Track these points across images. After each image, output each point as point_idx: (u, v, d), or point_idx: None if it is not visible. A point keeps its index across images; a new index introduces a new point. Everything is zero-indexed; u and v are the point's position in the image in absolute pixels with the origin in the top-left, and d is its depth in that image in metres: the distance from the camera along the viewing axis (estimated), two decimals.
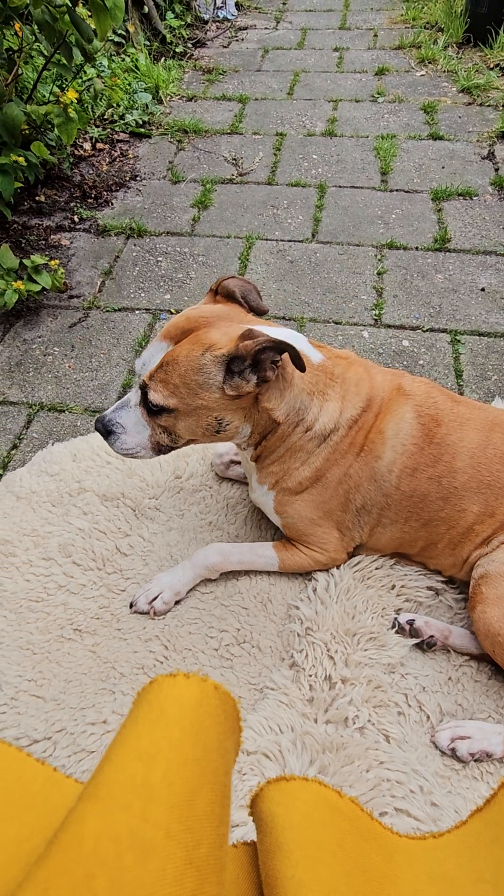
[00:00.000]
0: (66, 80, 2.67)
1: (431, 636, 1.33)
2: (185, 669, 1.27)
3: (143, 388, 1.17)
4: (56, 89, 2.79)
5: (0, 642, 1.34)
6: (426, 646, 1.33)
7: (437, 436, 1.30)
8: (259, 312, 1.26)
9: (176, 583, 1.40)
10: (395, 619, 1.36)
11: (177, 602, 1.41)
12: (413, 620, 1.34)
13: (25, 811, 0.47)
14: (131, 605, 1.40)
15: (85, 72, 3.13)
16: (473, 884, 0.46)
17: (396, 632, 1.34)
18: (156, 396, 1.15)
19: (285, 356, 1.14)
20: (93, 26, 2.19)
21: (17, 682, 1.27)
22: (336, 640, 1.30)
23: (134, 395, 1.21)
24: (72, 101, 2.07)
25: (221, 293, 1.25)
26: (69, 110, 2.07)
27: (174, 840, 0.37)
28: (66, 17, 2.03)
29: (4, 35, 2.25)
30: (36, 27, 2.17)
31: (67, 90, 2.10)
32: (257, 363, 1.11)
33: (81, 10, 2.09)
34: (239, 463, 1.67)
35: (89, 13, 2.14)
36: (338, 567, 1.43)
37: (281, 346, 1.09)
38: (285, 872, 0.43)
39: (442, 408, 1.33)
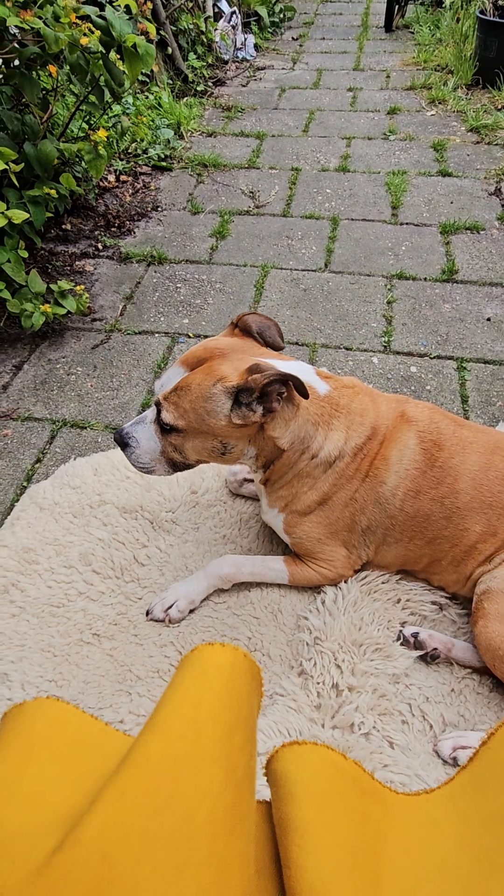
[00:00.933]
0: (94, 116, 2.84)
1: (435, 649, 1.38)
2: None
3: (158, 407, 1.26)
4: (84, 125, 2.96)
5: (23, 644, 1.41)
6: (430, 658, 1.38)
7: (439, 459, 1.37)
8: (275, 348, 1.34)
9: (190, 592, 1.47)
10: (401, 631, 1.41)
11: (191, 611, 1.48)
12: (417, 633, 1.39)
13: (86, 756, 0.56)
14: (147, 613, 1.47)
15: (111, 108, 3.30)
16: (458, 827, 0.53)
17: (401, 644, 1.40)
18: (167, 416, 1.24)
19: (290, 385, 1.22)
20: (122, 68, 2.35)
21: (39, 683, 1.33)
22: (343, 650, 1.36)
23: (150, 413, 1.30)
24: (102, 140, 2.21)
25: (241, 327, 1.34)
26: (99, 147, 2.21)
27: (218, 763, 0.46)
28: (100, 62, 2.18)
29: (40, 76, 2.41)
30: (68, 68, 2.32)
31: (98, 129, 2.24)
32: (264, 395, 1.19)
33: (113, 55, 2.24)
34: (252, 481, 1.74)
35: (120, 57, 2.30)
36: (345, 581, 1.50)
37: (286, 378, 1.17)
38: (296, 815, 0.51)
39: (444, 432, 1.40)
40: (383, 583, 1.49)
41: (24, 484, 1.83)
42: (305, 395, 1.22)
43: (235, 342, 1.29)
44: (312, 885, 0.46)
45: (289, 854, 0.49)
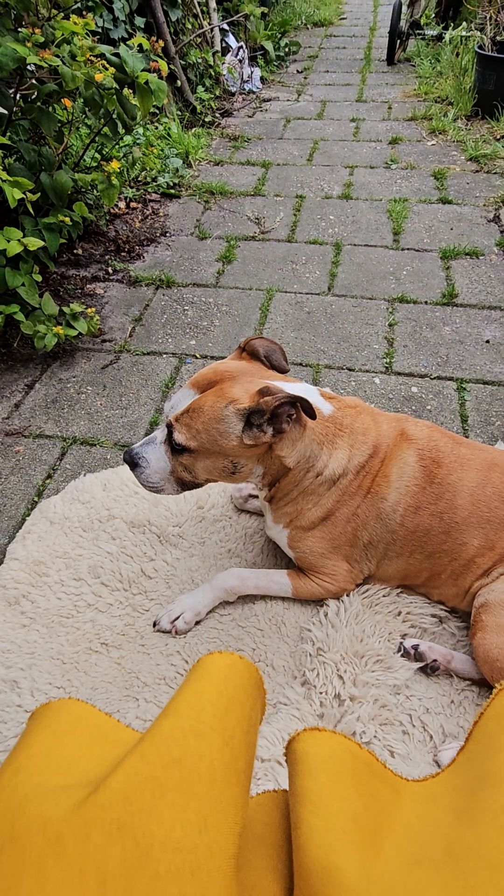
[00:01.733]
0: (107, 147, 2.96)
1: (435, 661, 1.41)
2: None
3: (170, 428, 1.30)
4: (97, 155, 3.08)
5: (32, 653, 1.45)
6: (430, 670, 1.41)
7: (437, 476, 1.42)
8: (280, 371, 1.39)
9: (197, 604, 1.51)
10: (401, 643, 1.45)
11: (197, 622, 1.52)
12: (418, 645, 1.43)
13: (104, 744, 0.65)
14: (155, 624, 1.51)
15: (123, 139, 3.43)
16: (451, 796, 0.59)
17: (402, 655, 1.43)
18: (179, 437, 1.28)
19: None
20: (134, 102, 2.46)
21: (48, 689, 1.37)
22: (345, 661, 1.39)
23: (160, 434, 1.34)
24: (114, 170, 2.31)
25: (248, 351, 1.39)
26: (112, 178, 2.31)
27: (216, 731, 0.56)
28: (114, 97, 2.29)
29: (55, 110, 2.52)
30: (81, 102, 2.44)
31: (111, 161, 2.34)
32: (275, 416, 1.24)
33: (126, 91, 2.36)
34: (257, 497, 1.79)
35: (133, 92, 2.41)
36: (347, 594, 1.54)
37: (296, 400, 1.22)
38: (310, 787, 0.58)
39: (443, 450, 1.45)
40: (384, 596, 1.53)
41: (35, 499, 1.88)
42: (313, 417, 1.27)
43: (244, 365, 1.34)
44: (320, 843, 0.53)
45: (300, 818, 0.56)
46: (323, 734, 0.64)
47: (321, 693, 1.34)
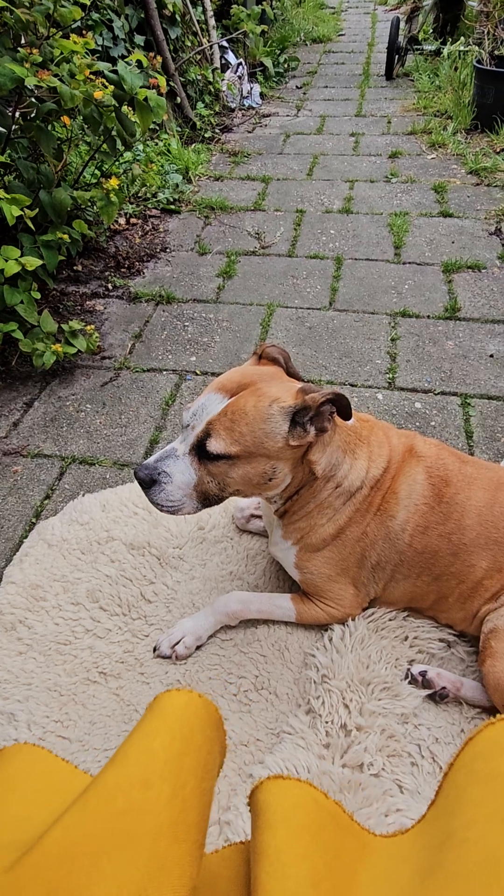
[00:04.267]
0: (106, 164, 2.96)
1: (443, 688, 1.37)
2: None
3: (205, 435, 1.18)
4: (97, 172, 3.08)
5: (29, 683, 1.41)
6: (438, 697, 1.37)
7: (446, 495, 1.38)
8: (294, 377, 1.36)
9: (198, 628, 1.47)
10: (409, 669, 1.40)
11: (198, 647, 1.47)
12: (425, 672, 1.38)
13: (58, 791, 0.64)
14: (155, 649, 1.47)
15: (122, 155, 3.44)
16: (418, 854, 0.56)
17: (409, 682, 1.39)
18: (218, 443, 1.17)
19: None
20: (134, 119, 2.46)
21: (45, 723, 1.33)
22: (351, 689, 1.35)
23: (181, 445, 1.22)
24: (114, 188, 2.30)
25: (265, 357, 1.35)
26: (111, 195, 2.30)
27: (166, 781, 0.54)
28: (112, 114, 2.28)
29: (54, 127, 2.52)
30: (81, 119, 2.43)
31: (110, 178, 2.33)
32: (318, 414, 1.19)
33: (125, 108, 2.35)
34: (259, 517, 1.75)
35: (132, 109, 2.41)
36: (353, 619, 1.49)
37: (338, 397, 1.18)
38: (269, 843, 0.55)
39: (451, 468, 1.41)
40: (390, 620, 1.48)
41: (33, 520, 1.85)
42: (348, 417, 1.23)
43: (269, 369, 1.29)
44: None
45: (258, 880, 0.53)
46: (287, 783, 0.61)
47: (327, 723, 1.30)
